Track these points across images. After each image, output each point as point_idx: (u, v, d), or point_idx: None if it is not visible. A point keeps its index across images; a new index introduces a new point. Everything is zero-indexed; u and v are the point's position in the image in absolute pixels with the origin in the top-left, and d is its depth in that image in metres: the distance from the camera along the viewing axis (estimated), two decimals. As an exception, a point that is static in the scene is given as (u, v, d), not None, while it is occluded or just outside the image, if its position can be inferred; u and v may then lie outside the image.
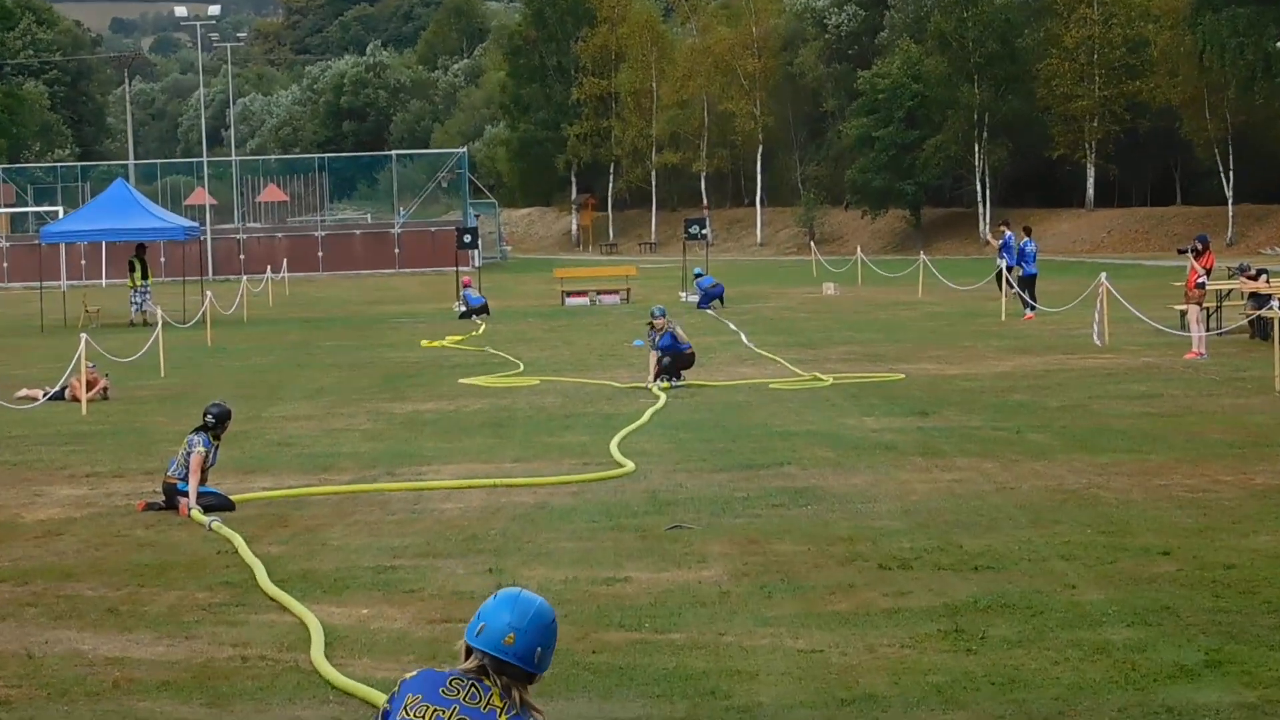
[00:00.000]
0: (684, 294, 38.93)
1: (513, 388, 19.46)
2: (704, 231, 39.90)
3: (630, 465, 12.76)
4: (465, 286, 35.20)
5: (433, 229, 66.47)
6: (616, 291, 39.02)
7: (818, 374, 19.52)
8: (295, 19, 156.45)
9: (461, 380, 20.34)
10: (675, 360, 18.86)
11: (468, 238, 37.95)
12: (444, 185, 73.11)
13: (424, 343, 26.99)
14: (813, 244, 59.28)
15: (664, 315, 19.35)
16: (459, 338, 28.04)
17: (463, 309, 35.08)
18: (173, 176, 75.41)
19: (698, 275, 35.99)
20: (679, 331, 19.06)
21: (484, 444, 14.59)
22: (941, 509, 10.70)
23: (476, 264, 49.80)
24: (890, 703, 6.51)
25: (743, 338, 25.94)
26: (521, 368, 21.99)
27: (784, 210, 79.78)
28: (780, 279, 50.24)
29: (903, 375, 19.23)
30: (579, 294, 38.66)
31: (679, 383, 18.82)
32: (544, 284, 47.64)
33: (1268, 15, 53.81)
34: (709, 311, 33.63)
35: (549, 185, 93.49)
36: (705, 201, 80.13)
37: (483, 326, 31.05)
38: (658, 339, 19.16)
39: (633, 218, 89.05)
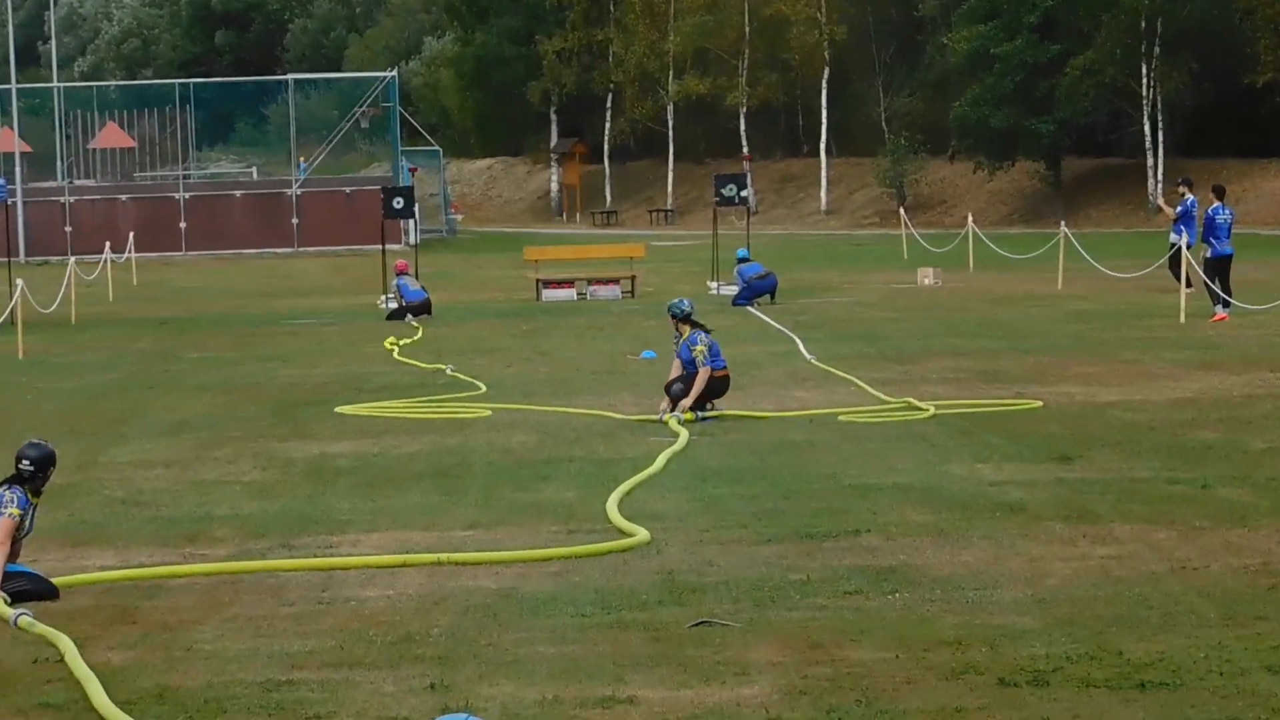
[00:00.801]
0: (714, 284, 38.92)
1: (458, 418, 19.49)
2: (744, 193, 39.93)
3: (640, 533, 12.77)
4: (400, 273, 35.27)
5: (348, 190, 66.60)
6: (616, 280, 39.06)
7: (911, 400, 19.56)
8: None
9: (340, 409, 20.40)
10: (687, 383, 18.86)
11: (400, 202, 37.99)
12: (364, 125, 73.23)
13: (390, 343, 26.91)
14: (902, 211, 59.34)
15: (685, 315, 19.32)
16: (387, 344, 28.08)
17: (394, 305, 35.11)
18: (-33, 112, 75.56)
19: (742, 259, 36.01)
20: (699, 346, 18.99)
21: (424, 502, 14.61)
22: (1092, 598, 10.71)
23: (412, 240, 49.78)
24: None
25: (800, 347, 25.96)
26: (483, 389, 22.05)
27: (861, 163, 79.87)
28: (855, 262, 50.12)
29: (1038, 403, 19.26)
30: (562, 284, 38.68)
31: (706, 414, 18.85)
32: (510, 268, 47.50)
33: None
34: (751, 310, 33.66)
35: (518, 126, 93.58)
36: (746, 150, 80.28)
37: (420, 331, 31.09)
38: (679, 344, 19.19)
39: (640, 174, 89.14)
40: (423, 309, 34.30)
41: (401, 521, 13.82)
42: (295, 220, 65.61)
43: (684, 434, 17.65)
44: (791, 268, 42.55)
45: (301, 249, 64.65)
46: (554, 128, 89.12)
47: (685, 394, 18.86)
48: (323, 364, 26.33)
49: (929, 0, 78.40)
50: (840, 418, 18.68)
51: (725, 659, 9.59)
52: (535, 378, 23.61)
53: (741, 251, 36.71)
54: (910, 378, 22.07)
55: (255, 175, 76.45)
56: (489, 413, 19.90)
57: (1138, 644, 9.64)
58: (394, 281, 35.40)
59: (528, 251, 43.15)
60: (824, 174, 79.36)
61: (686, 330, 19.30)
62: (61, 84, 77.14)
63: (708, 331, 19.41)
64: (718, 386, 19.13)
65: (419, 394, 21.82)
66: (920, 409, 18.94)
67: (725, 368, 19.23)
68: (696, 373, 18.90)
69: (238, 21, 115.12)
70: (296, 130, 69.83)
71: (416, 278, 35.98)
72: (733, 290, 36.23)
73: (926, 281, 39.32)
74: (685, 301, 19.74)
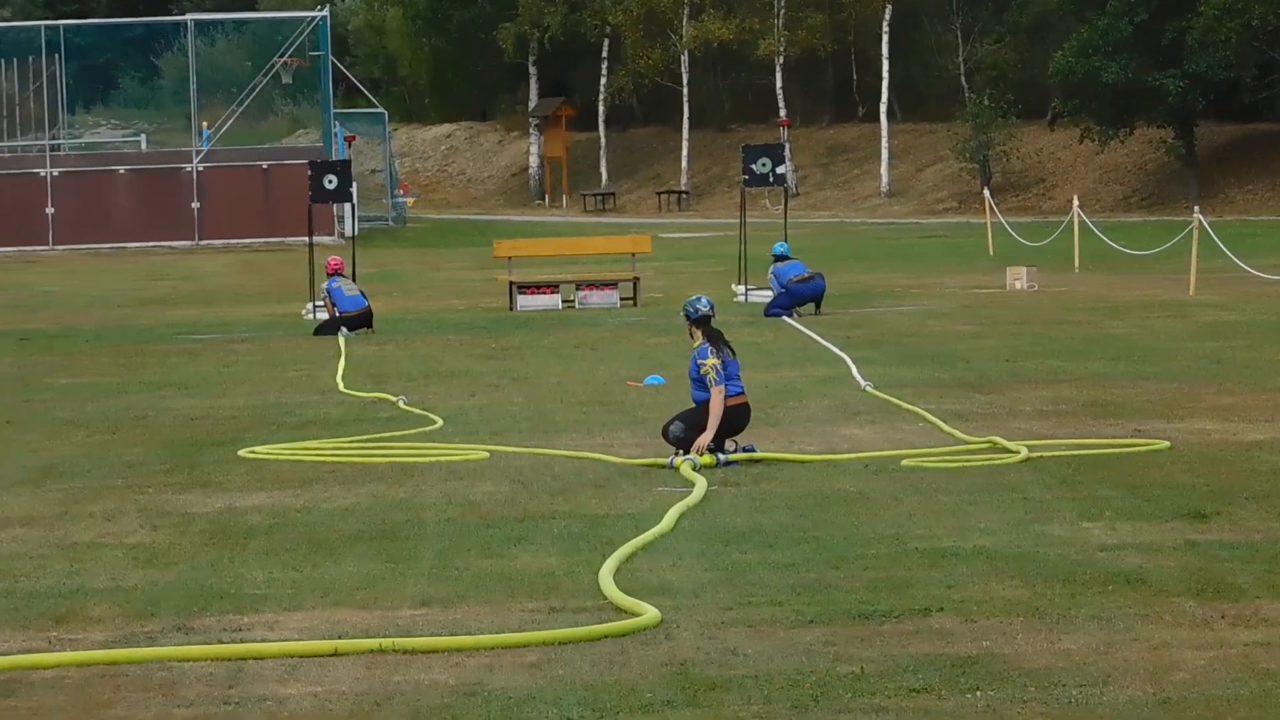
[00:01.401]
0: (742, 288, 38.96)
1: (412, 461, 19.52)
2: (780, 170, 39.94)
3: (645, 612, 12.77)
4: (332, 273, 35.23)
5: (265, 165, 66.56)
6: (614, 284, 39.09)
7: (997, 439, 19.58)
8: None
9: (245, 452, 20.46)
10: (688, 420, 18.84)
11: (332, 181, 37.99)
12: (286, 80, 73.27)
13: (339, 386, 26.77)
14: (987, 193, 59.40)
15: (703, 318, 19.24)
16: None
17: (324, 315, 35.08)
18: None
19: (779, 256, 36.02)
20: (710, 359, 18.93)
21: (362, 572, 14.60)
22: (1232, 698, 10.72)
23: (349, 231, 49.83)
24: None
25: (853, 370, 25.99)
26: (439, 424, 22.10)
27: (932, 130, 79.94)
28: (925, 260, 50.09)
29: (1164, 443, 19.29)
30: (543, 288, 38.68)
31: (730, 456, 18.86)
32: (476, 268, 47.49)
33: None
34: (790, 322, 33.68)
35: (485, 84, 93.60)
36: (783, 114, 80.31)
37: (344, 348, 30.78)
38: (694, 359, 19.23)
39: (644, 145, 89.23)
40: (361, 320, 34.25)
41: (333, 597, 13.79)
42: (196, 205, 65.60)
43: (701, 483, 17.59)
44: (843, 267, 42.57)
45: (204, 242, 64.65)
46: (533, 84, 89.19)
47: (690, 431, 18.73)
48: (231, 392, 26.35)
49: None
50: (905, 462, 18.70)
51: (753, 775, 9.63)
52: (507, 410, 23.63)
53: (779, 247, 36.68)
54: (996, 410, 22.10)
55: (144, 146, 76.50)
56: (486, 454, 19.90)
57: (1291, 757, 9.68)
58: (324, 285, 35.36)
59: (499, 246, 43.12)
60: (885, 144, 79.39)
61: (699, 336, 19.14)
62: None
63: (728, 345, 19.26)
64: (733, 419, 18.98)
65: (354, 430, 21.84)
66: (1009, 451, 18.97)
67: (742, 393, 19.07)
68: (708, 398, 18.84)
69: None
70: (198, 87, 69.77)
71: (354, 280, 35.97)
72: (766, 296, 36.26)
73: (1019, 285, 39.34)
74: (704, 300, 19.49)
